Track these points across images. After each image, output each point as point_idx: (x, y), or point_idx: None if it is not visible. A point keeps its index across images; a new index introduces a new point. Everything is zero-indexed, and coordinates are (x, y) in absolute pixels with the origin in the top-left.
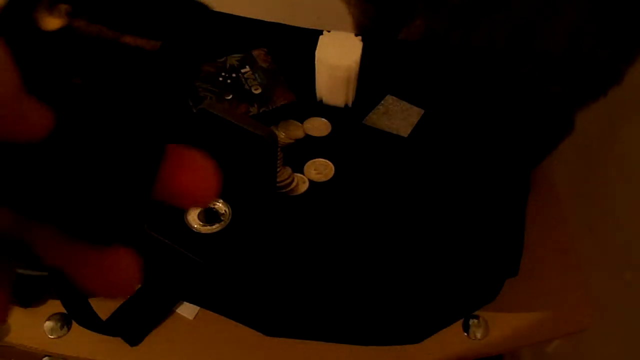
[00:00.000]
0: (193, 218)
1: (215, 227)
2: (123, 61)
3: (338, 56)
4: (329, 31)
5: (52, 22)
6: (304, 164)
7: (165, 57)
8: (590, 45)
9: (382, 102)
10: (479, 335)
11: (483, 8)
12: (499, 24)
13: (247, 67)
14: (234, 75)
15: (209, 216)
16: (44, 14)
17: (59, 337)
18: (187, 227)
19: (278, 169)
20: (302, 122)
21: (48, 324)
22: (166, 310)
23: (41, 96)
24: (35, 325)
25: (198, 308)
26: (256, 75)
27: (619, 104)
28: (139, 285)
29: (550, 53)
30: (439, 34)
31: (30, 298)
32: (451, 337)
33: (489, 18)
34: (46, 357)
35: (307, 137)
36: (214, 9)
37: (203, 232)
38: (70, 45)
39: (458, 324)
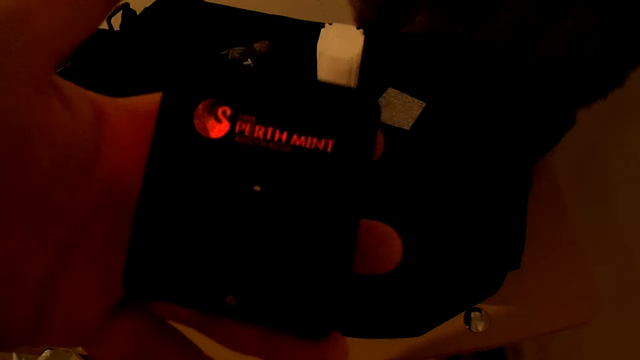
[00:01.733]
0: None
1: None
2: (299, 165)
3: (339, 49)
4: (330, 24)
5: (216, 129)
6: None
7: (340, 156)
8: (593, 48)
9: (383, 94)
10: (480, 328)
11: (486, 5)
12: (501, 22)
13: (249, 59)
14: None
15: None
16: (204, 119)
17: None
18: None
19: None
20: None
21: None
22: None
23: (222, 207)
24: None
25: None
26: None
27: (621, 99)
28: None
29: (552, 54)
30: (441, 31)
31: None
32: (453, 330)
33: (491, 16)
34: (47, 350)
35: None
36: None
37: None
38: (240, 152)
39: (459, 317)
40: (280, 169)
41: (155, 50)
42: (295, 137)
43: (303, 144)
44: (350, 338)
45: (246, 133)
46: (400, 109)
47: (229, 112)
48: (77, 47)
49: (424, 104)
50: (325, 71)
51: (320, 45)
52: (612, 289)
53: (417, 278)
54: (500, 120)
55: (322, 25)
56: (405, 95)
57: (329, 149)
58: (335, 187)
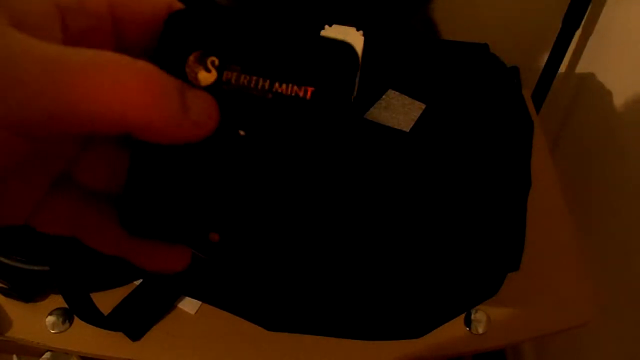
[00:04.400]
0: None
1: None
2: (280, 110)
3: None
4: (330, 25)
5: (205, 78)
6: None
7: (319, 103)
8: None
9: (383, 96)
10: (480, 330)
11: None
12: None
13: None
14: None
15: None
16: (195, 68)
17: (60, 331)
18: None
19: None
20: None
21: (49, 319)
22: (168, 305)
23: (210, 150)
24: (36, 320)
25: (200, 302)
26: None
27: (621, 99)
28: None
29: None
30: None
31: (32, 293)
32: (453, 332)
33: None
34: (47, 352)
35: None
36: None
37: None
38: (226, 99)
39: (460, 319)
40: (262, 115)
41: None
42: (277, 85)
43: (284, 92)
44: (351, 340)
45: (232, 81)
46: (400, 110)
47: (217, 62)
48: None
49: (424, 106)
50: None
51: None
52: (611, 289)
53: (417, 280)
54: (500, 121)
55: (321, 25)
56: (405, 97)
57: (308, 96)
58: (313, 131)
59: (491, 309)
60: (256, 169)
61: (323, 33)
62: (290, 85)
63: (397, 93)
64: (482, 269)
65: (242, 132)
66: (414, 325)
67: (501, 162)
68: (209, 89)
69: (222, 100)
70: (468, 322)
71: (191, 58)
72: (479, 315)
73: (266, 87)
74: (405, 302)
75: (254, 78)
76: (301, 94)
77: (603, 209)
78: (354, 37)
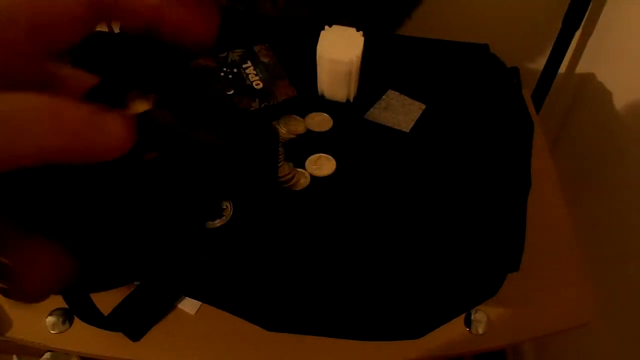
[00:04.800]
0: None
1: (217, 223)
2: (191, 148)
3: (339, 51)
4: (330, 26)
5: (140, 105)
6: (306, 159)
7: (226, 153)
8: None
9: (383, 97)
10: (480, 330)
11: None
12: None
13: (248, 62)
14: (235, 70)
15: None
16: (136, 95)
17: (60, 332)
18: None
19: (279, 164)
20: (303, 117)
21: (50, 319)
22: (168, 306)
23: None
24: (36, 320)
25: (200, 303)
26: (258, 70)
27: (618, 98)
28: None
29: None
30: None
31: None
32: (453, 332)
33: None
34: (47, 352)
35: (309, 132)
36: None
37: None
38: (149, 128)
39: (460, 319)
40: (177, 148)
41: (155, 52)
42: (197, 130)
43: (200, 137)
44: (351, 340)
45: (158, 117)
46: (400, 111)
47: (155, 98)
48: (76, 49)
49: (424, 106)
50: (325, 73)
51: (320, 47)
52: (611, 290)
53: (417, 280)
54: (500, 122)
55: (321, 26)
56: (405, 97)
57: (218, 144)
58: (215, 172)
59: (491, 309)
60: (152, 189)
61: (323, 33)
62: (207, 133)
63: (397, 93)
64: (482, 269)
65: (149, 157)
66: (414, 326)
67: (501, 162)
68: (140, 115)
69: (145, 127)
70: (468, 322)
71: (136, 90)
72: (479, 316)
73: (185, 130)
74: (405, 303)
75: (180, 121)
76: (215, 142)
77: (603, 209)
78: (354, 38)
